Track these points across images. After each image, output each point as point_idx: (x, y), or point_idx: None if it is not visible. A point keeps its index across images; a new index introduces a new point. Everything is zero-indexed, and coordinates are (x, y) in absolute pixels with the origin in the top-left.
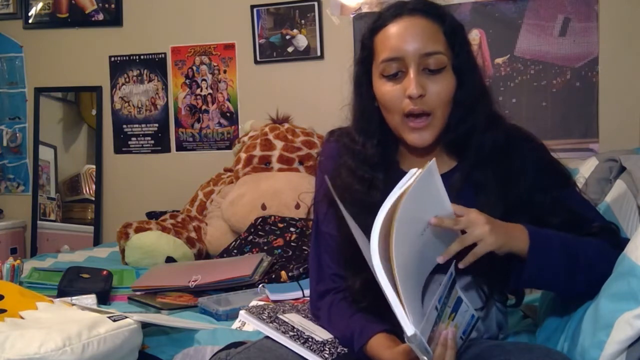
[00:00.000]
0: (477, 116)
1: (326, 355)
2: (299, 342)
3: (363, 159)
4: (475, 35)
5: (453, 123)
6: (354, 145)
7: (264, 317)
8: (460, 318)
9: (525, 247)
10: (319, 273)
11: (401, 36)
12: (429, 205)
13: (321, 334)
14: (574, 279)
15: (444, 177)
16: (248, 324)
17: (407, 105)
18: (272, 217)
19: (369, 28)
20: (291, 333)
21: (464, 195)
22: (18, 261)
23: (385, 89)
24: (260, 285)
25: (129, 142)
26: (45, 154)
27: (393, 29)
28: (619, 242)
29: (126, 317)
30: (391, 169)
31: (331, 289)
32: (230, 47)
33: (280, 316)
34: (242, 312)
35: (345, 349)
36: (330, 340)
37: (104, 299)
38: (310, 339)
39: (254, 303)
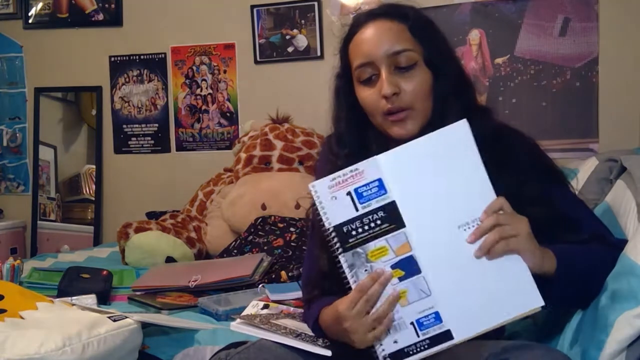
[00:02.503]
0: (459, 106)
1: (320, 344)
2: (291, 337)
3: (337, 167)
4: (475, 35)
5: (437, 116)
6: (330, 154)
7: (256, 322)
8: (410, 285)
9: (552, 269)
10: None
11: (369, 41)
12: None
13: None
14: (587, 294)
15: None
16: None
17: (384, 105)
18: (272, 217)
19: (342, 40)
20: (283, 331)
21: None
22: (18, 261)
23: (364, 95)
24: (260, 285)
25: (129, 142)
26: (45, 154)
27: (361, 36)
28: (611, 246)
29: (126, 317)
30: None
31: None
32: (230, 47)
33: (273, 321)
34: (233, 324)
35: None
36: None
37: (104, 299)
38: (303, 334)
39: (253, 303)
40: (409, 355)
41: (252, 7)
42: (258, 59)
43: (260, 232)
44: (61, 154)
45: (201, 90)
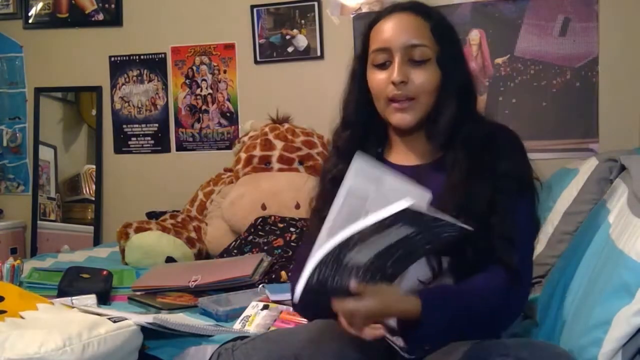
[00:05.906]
0: (459, 110)
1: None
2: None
3: (336, 148)
4: (475, 35)
5: (436, 113)
6: (335, 135)
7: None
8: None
9: (417, 313)
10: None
11: (390, 29)
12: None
13: None
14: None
15: (428, 166)
16: (249, 324)
17: (391, 91)
18: (272, 217)
19: (366, 24)
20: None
21: (435, 182)
22: (18, 261)
23: (374, 77)
24: (260, 285)
25: (129, 142)
26: (45, 154)
27: (385, 24)
28: (507, 281)
29: (126, 319)
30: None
31: None
32: (230, 47)
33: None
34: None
35: None
36: None
37: (104, 299)
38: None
39: (253, 303)
40: None
41: (252, 7)
42: (258, 59)
43: (260, 232)
44: (61, 154)
45: (201, 90)
